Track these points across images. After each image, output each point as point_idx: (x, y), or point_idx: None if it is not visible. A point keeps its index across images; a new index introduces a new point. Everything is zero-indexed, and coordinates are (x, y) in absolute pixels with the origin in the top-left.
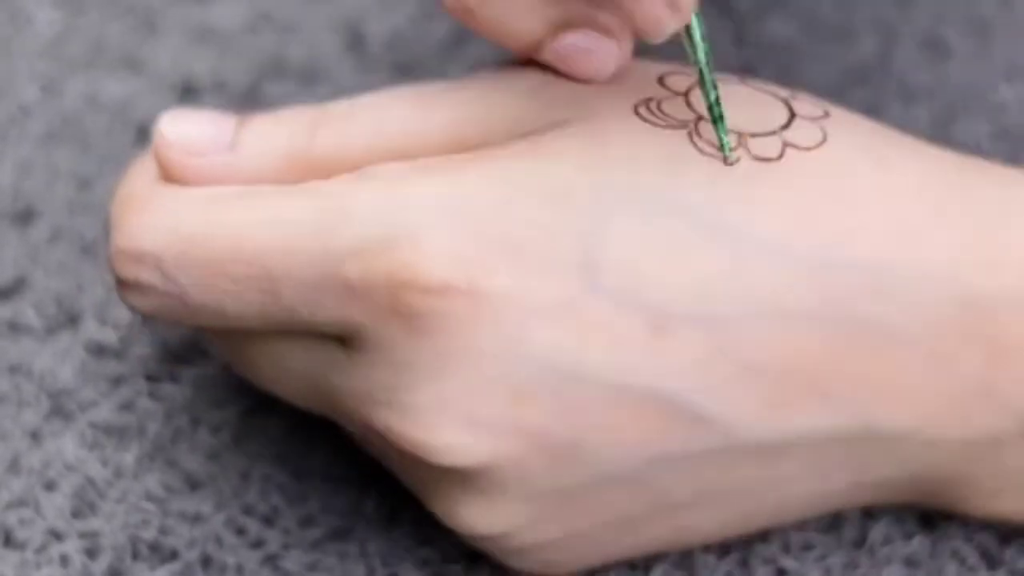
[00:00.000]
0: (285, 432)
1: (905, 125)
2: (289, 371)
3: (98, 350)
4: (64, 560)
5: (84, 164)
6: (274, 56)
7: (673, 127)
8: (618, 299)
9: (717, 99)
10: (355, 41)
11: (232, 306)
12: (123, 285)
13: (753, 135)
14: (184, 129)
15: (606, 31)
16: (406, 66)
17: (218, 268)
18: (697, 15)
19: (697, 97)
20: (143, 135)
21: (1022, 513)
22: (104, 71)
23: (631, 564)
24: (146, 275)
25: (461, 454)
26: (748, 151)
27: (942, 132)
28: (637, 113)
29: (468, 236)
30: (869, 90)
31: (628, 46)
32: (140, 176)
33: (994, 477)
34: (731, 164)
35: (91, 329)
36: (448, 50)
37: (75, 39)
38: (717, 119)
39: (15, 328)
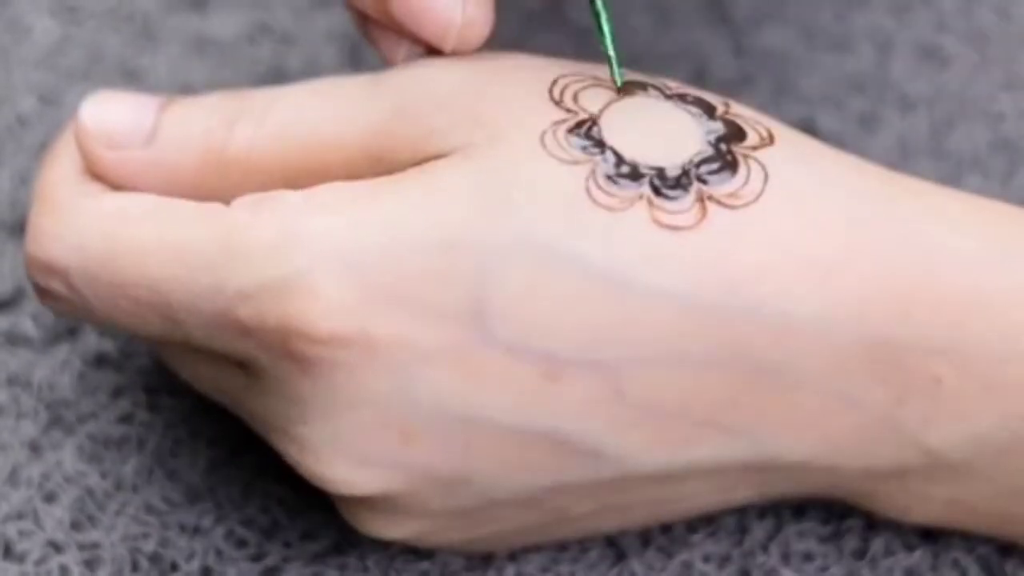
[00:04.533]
0: None
1: (903, 134)
2: (202, 379)
3: (97, 362)
4: (64, 572)
5: None
6: (272, 66)
7: (577, 162)
8: (509, 347)
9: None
10: (353, 51)
11: (136, 324)
12: (36, 289)
13: (661, 174)
14: (104, 116)
15: None
16: None
17: (120, 290)
18: None
19: (608, 121)
20: None
21: (932, 521)
22: (102, 81)
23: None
24: (55, 284)
25: (354, 486)
26: (652, 203)
27: (940, 141)
28: (543, 143)
29: (357, 285)
30: (867, 99)
31: (479, 5)
32: (61, 166)
33: (900, 497)
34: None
35: (90, 340)
36: None
37: (73, 49)
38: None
39: (14, 339)
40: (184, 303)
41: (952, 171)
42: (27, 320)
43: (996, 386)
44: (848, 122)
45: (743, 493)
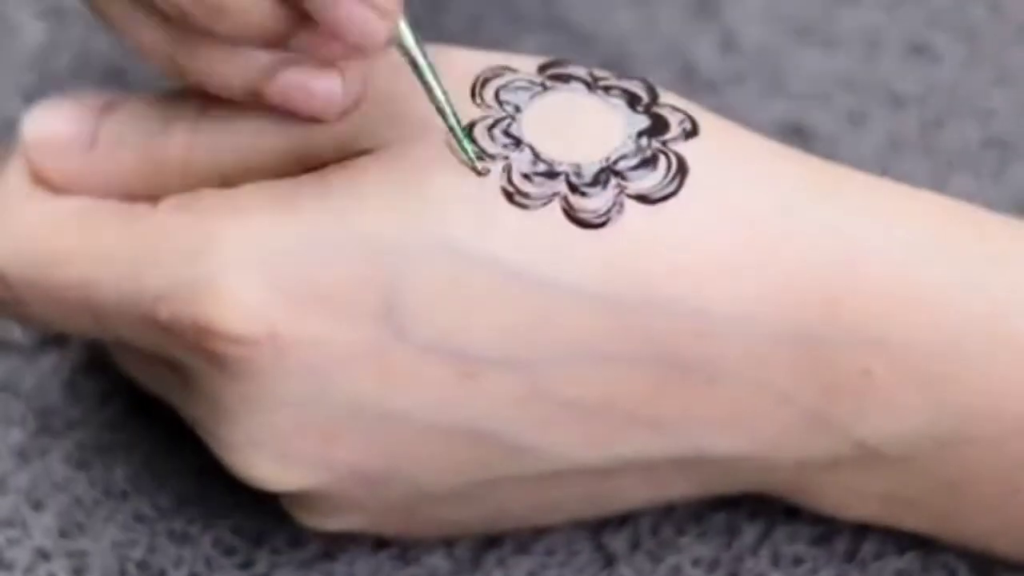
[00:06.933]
0: None
1: (893, 131)
2: (147, 380)
3: (86, 368)
4: None
5: None
6: None
7: (492, 159)
8: (424, 347)
9: (453, 112)
10: None
11: (70, 326)
12: None
13: (578, 172)
14: (45, 128)
15: (323, 63)
16: None
17: (51, 293)
18: (406, 22)
19: (528, 118)
20: None
21: (869, 517)
22: (89, 83)
23: None
24: None
25: (280, 484)
26: (567, 201)
27: (930, 138)
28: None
29: (269, 287)
30: (856, 97)
31: (356, 76)
32: (11, 176)
33: (834, 492)
34: (484, 175)
35: (79, 347)
36: None
37: (60, 51)
38: (456, 132)
39: (2, 346)
40: (110, 305)
41: (943, 168)
42: (16, 326)
43: (929, 380)
44: (837, 120)
45: (678, 489)
